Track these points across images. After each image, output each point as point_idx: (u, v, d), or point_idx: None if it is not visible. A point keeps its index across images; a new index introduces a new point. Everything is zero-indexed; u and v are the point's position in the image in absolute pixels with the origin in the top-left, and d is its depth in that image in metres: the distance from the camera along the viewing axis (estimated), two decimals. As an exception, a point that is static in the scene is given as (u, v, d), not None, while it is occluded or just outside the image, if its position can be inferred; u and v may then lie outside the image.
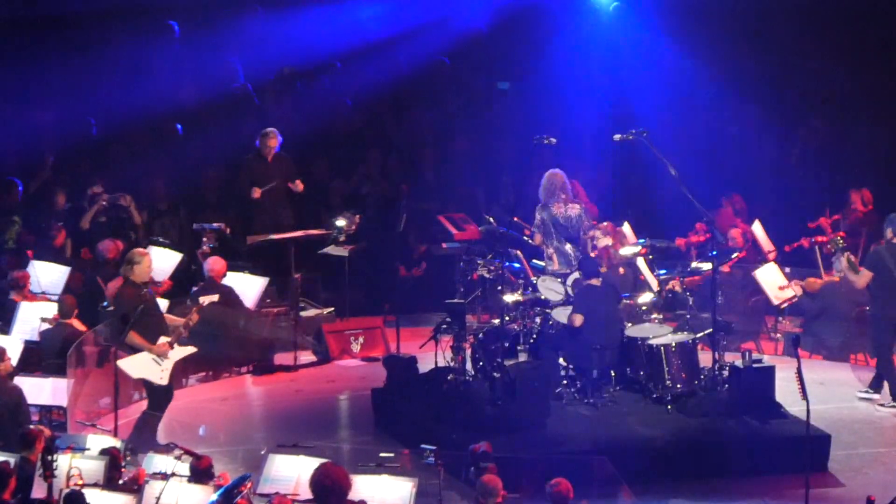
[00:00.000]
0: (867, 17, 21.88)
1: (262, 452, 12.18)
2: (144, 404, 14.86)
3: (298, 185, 19.58)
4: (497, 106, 23.58)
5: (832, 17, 22.05)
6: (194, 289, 17.89)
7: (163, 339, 14.39)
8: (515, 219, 16.43)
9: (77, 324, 16.19)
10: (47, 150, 21.43)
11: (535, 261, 16.55)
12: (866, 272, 15.87)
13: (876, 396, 15.97)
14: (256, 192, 19.52)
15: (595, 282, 15.30)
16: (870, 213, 19.09)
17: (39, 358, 16.05)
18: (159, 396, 14.50)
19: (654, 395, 15.06)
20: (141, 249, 15.23)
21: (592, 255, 16.13)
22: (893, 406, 15.77)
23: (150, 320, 14.37)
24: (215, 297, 15.57)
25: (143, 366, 14.28)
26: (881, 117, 21.76)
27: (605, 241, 16.53)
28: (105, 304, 16.75)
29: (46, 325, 16.24)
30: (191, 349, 14.72)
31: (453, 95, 23.71)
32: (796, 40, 22.36)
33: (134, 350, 14.28)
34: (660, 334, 15.36)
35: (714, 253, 15.88)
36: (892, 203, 19.07)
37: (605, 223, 16.91)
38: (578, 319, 15.10)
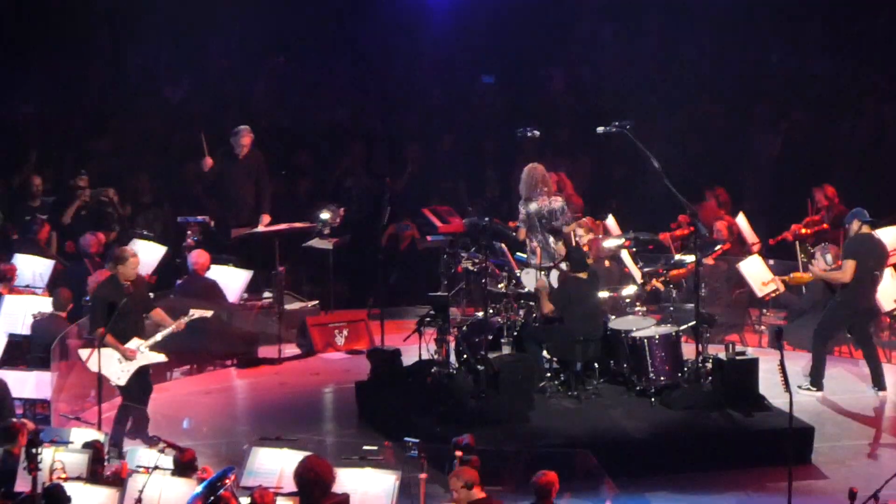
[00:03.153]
0: (849, 8, 21.97)
1: (245, 447, 12.16)
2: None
3: (265, 219, 19.42)
4: (481, 99, 23.55)
5: (812, 8, 22.14)
6: (178, 282, 17.89)
7: (135, 341, 14.31)
8: (496, 220, 16.43)
9: None
10: (30, 145, 21.42)
11: (518, 253, 16.54)
12: (849, 262, 15.80)
13: (882, 394, 15.93)
14: (208, 162, 19.36)
15: (582, 275, 15.23)
16: (837, 206, 19.02)
17: (24, 351, 16.02)
18: (132, 391, 14.40)
19: (638, 388, 15.06)
20: (130, 249, 15.15)
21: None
22: (809, 389, 15.78)
23: (125, 319, 14.28)
24: (208, 314, 15.45)
25: (103, 361, 14.16)
26: (863, 109, 21.78)
27: (588, 237, 16.50)
28: (87, 297, 16.70)
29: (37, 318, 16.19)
30: (161, 357, 14.59)
31: (437, 88, 23.68)
32: (778, 33, 22.42)
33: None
34: (643, 326, 15.34)
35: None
36: (872, 195, 19.11)
37: (585, 218, 16.87)
38: (548, 307, 15.07)
